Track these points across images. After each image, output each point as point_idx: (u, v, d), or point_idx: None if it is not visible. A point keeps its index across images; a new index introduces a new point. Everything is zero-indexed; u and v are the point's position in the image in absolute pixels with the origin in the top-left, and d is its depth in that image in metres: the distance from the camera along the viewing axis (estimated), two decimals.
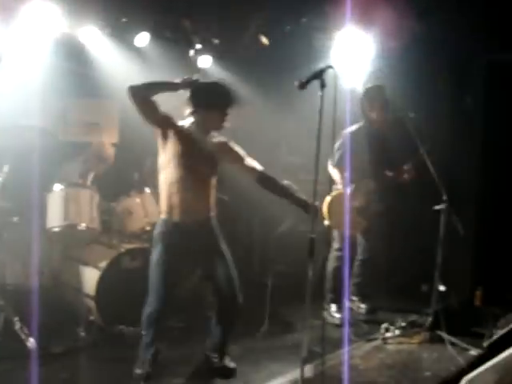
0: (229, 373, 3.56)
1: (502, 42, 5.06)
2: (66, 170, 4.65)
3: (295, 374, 3.50)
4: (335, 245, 4.79)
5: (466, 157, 5.32)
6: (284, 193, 3.62)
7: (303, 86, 2.93)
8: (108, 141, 4.95)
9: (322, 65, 2.96)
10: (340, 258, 4.66)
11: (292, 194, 3.60)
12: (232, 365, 3.60)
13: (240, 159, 3.56)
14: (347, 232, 4.45)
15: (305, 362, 2.99)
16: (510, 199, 5.17)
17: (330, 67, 2.86)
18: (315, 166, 2.96)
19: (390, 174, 4.80)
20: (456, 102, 5.40)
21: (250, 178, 3.61)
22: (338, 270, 4.61)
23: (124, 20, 4.78)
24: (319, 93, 2.86)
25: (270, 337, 4.31)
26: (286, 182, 3.70)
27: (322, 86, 2.85)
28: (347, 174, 4.50)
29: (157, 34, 4.91)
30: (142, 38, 4.87)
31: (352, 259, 4.92)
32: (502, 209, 5.19)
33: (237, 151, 3.57)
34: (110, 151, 4.81)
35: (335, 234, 4.80)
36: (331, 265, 4.76)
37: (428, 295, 5.41)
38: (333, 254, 4.79)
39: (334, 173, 4.67)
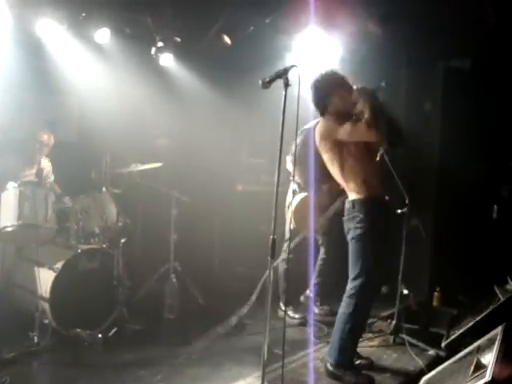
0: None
1: (459, 48, 5.17)
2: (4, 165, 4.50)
3: (257, 376, 3.49)
4: (285, 246, 4.76)
5: (424, 159, 5.40)
6: None
7: (267, 85, 2.88)
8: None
9: (285, 64, 2.92)
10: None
11: None
12: None
13: None
14: (312, 234, 4.45)
15: (266, 364, 2.93)
16: (467, 202, 5.27)
17: (294, 66, 2.82)
18: (277, 166, 2.90)
19: None
20: (416, 105, 5.47)
21: None
22: (288, 272, 4.59)
23: (83, 15, 4.65)
24: (283, 92, 2.81)
25: (231, 338, 4.27)
26: None
27: (286, 85, 2.82)
28: (311, 174, 4.48)
29: (117, 31, 4.80)
30: (103, 34, 4.75)
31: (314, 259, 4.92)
32: (458, 211, 5.29)
33: None
34: (47, 137, 4.69)
35: (286, 235, 4.76)
36: (282, 266, 4.74)
37: (387, 297, 5.51)
38: (282, 256, 4.76)
39: (291, 167, 4.60)
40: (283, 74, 2.83)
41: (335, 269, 5.06)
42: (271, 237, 2.87)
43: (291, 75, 2.83)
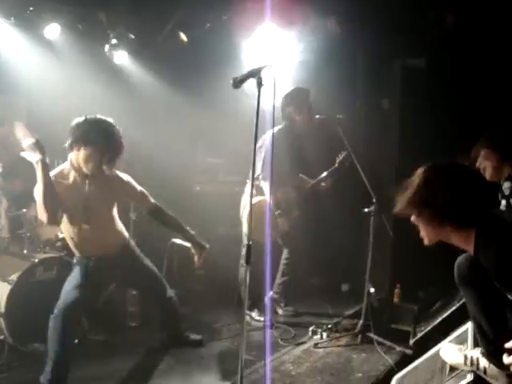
0: (199, 343, 4.11)
1: (414, 48, 5.23)
2: None
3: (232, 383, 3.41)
4: (243, 251, 4.66)
5: (383, 157, 5.43)
6: (178, 228, 3.88)
7: (238, 84, 2.77)
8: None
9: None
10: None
11: (186, 230, 3.86)
12: (198, 336, 4.17)
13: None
14: (268, 239, 4.35)
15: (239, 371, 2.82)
16: None
17: (269, 65, 2.73)
18: (252, 168, 2.81)
19: (308, 181, 4.82)
20: (374, 104, 5.50)
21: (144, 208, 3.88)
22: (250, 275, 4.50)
23: (31, 8, 4.39)
24: (256, 92, 2.71)
25: (198, 345, 4.14)
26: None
27: (260, 84, 2.71)
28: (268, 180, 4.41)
29: (69, 26, 4.57)
30: (52, 30, 4.51)
31: (274, 262, 4.86)
32: None
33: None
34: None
35: (244, 239, 4.68)
36: (242, 270, 4.65)
37: (347, 295, 5.54)
38: (242, 260, 4.67)
39: (266, 186, 4.49)
40: (256, 74, 2.73)
41: (299, 269, 5.05)
42: (246, 243, 2.76)
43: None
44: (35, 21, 4.45)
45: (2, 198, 3.95)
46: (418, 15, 4.95)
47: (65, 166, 3.39)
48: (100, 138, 3.26)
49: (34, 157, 3.10)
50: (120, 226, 3.68)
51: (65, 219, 3.35)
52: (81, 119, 3.30)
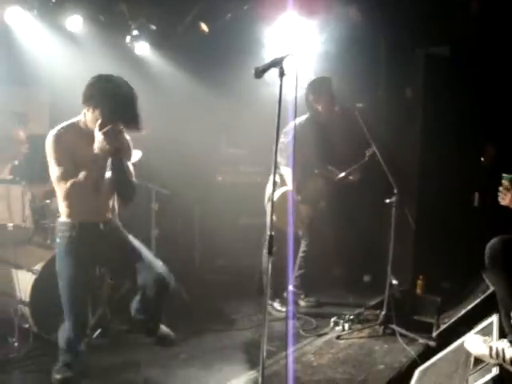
0: (170, 341, 3.72)
1: (438, 36, 5.14)
2: None
3: (251, 375, 3.41)
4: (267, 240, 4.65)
5: (406, 147, 5.38)
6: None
7: (260, 74, 2.74)
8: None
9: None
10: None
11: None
12: (170, 332, 3.72)
13: None
14: (290, 229, 4.33)
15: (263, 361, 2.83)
16: (448, 189, 5.27)
17: (290, 55, 2.69)
18: (274, 159, 2.78)
19: (337, 172, 4.76)
20: (396, 93, 5.43)
21: None
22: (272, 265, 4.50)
23: (53, 1, 4.41)
24: (278, 82, 2.68)
25: (218, 336, 4.16)
26: None
27: (282, 74, 2.68)
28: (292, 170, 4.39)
29: (91, 18, 4.58)
30: (74, 22, 4.52)
31: (295, 253, 4.85)
32: (440, 199, 5.29)
33: None
34: (21, 136, 4.48)
35: (267, 230, 4.65)
36: (265, 261, 4.65)
37: (369, 286, 5.52)
38: (265, 250, 4.66)
39: (287, 172, 4.48)
40: (278, 63, 2.70)
41: (317, 260, 5.03)
42: (269, 233, 2.74)
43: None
44: (58, 12, 4.47)
45: (27, 191, 3.99)
46: (441, 2, 4.86)
47: (79, 119, 3.11)
48: (108, 104, 2.92)
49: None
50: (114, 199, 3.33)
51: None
52: (95, 77, 3.01)
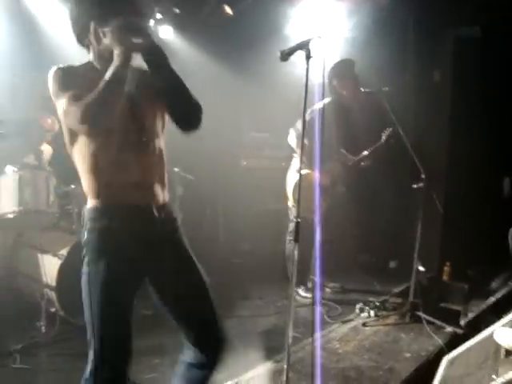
0: None
1: (469, 16, 4.99)
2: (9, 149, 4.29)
3: (276, 362, 3.38)
4: (290, 227, 4.61)
5: (434, 132, 5.26)
6: None
7: (286, 57, 2.66)
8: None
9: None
10: None
11: None
12: None
13: None
14: (315, 215, 4.27)
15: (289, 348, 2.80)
16: (477, 175, 5.16)
17: (318, 37, 2.62)
18: (300, 144, 2.73)
19: (349, 157, 4.69)
20: (424, 76, 5.30)
21: None
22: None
23: None
24: (305, 65, 2.61)
25: (242, 321, 4.15)
26: None
27: (308, 57, 2.61)
28: (316, 153, 4.31)
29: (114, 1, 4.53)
30: None
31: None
32: (469, 185, 5.18)
33: None
34: (51, 122, 4.50)
35: (290, 215, 4.61)
36: (290, 247, 4.61)
37: (396, 272, 5.45)
38: (288, 237, 4.62)
39: (294, 143, 4.49)
40: (304, 46, 2.62)
41: (341, 246, 4.97)
42: (293, 218, 2.70)
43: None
44: None
45: (51, 175, 4.01)
46: None
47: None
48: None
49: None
50: (165, 168, 2.19)
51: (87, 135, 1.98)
52: None
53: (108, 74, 1.88)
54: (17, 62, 4.46)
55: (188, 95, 2.08)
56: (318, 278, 4.69)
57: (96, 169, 1.99)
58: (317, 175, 4.26)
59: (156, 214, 2.07)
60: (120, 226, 2.01)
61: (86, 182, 2.04)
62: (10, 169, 3.89)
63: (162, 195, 2.12)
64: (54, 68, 2.02)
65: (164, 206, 2.12)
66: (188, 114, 2.11)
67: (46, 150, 4.64)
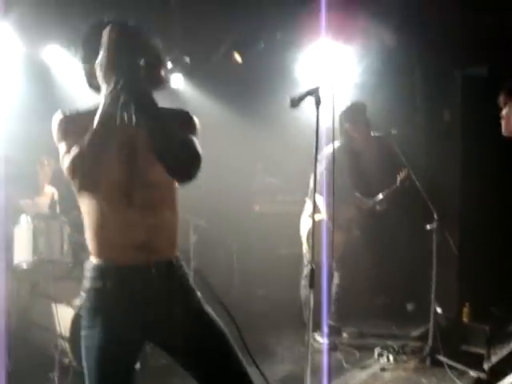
0: None
1: (475, 55, 5.04)
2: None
3: None
4: (305, 272, 4.55)
5: (446, 171, 5.24)
6: None
7: (296, 103, 2.69)
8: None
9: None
10: None
11: None
12: None
13: None
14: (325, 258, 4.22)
15: None
16: (492, 213, 5.10)
17: (327, 84, 2.65)
18: (313, 188, 2.73)
19: (364, 201, 4.68)
20: (434, 116, 5.33)
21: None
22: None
23: None
24: (315, 111, 2.63)
25: (260, 366, 4.05)
26: None
27: (318, 103, 2.64)
28: (330, 199, 4.30)
29: None
30: None
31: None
32: (484, 222, 5.11)
33: None
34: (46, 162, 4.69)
35: (305, 260, 4.58)
36: (305, 292, 4.54)
37: (413, 315, 5.34)
38: (304, 281, 4.56)
39: (320, 200, 4.38)
40: (314, 92, 2.65)
41: (357, 290, 4.90)
42: (307, 263, 2.68)
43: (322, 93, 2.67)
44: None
45: (65, 224, 4.03)
46: (477, 21, 4.78)
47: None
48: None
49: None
50: (177, 221, 2.05)
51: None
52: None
53: (96, 121, 1.76)
54: (32, 112, 4.56)
55: (175, 151, 1.84)
56: (329, 324, 4.61)
57: (95, 224, 1.91)
58: (328, 220, 4.23)
59: (156, 273, 1.94)
60: (116, 287, 1.91)
61: (87, 237, 1.97)
62: (24, 218, 3.92)
63: (168, 251, 2.00)
64: (58, 113, 1.95)
65: (170, 264, 1.99)
66: (177, 169, 1.88)
67: (49, 190, 4.76)
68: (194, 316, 2.02)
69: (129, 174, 1.90)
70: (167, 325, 1.97)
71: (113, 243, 1.91)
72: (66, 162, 1.79)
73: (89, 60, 1.92)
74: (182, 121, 2.05)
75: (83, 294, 1.98)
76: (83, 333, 1.97)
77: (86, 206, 1.92)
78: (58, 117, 1.94)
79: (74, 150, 1.75)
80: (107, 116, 1.75)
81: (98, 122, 1.75)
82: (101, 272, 1.94)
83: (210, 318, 2.04)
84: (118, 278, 1.92)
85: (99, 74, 1.79)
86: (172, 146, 1.83)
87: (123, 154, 1.88)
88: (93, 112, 1.82)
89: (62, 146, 1.87)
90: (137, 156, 1.92)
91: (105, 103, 1.75)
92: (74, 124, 1.89)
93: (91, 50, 1.88)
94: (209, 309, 2.06)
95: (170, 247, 2.01)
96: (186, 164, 1.87)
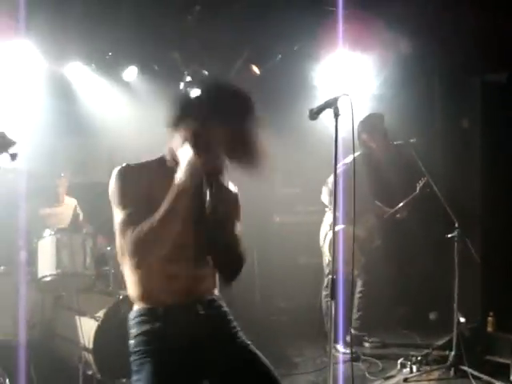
0: None
1: (495, 62, 5.01)
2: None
3: None
4: (325, 282, 4.54)
5: (466, 179, 5.21)
6: None
7: (314, 115, 2.70)
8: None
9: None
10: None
11: None
12: None
13: None
14: (342, 270, 4.18)
15: None
16: None
17: (345, 95, 2.66)
18: (333, 200, 2.74)
19: (384, 209, 4.70)
20: (453, 124, 5.31)
21: None
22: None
23: (110, 54, 4.60)
24: (334, 123, 2.64)
25: (281, 380, 4.04)
26: None
27: (336, 115, 2.64)
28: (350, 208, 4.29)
29: (145, 68, 4.75)
30: (131, 72, 4.70)
31: (352, 294, 4.69)
32: (506, 230, 5.06)
33: None
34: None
35: (326, 270, 4.58)
36: (326, 302, 4.53)
37: (436, 324, 5.28)
38: (325, 292, 4.55)
39: (327, 200, 4.56)
40: (332, 104, 2.66)
41: (379, 299, 4.87)
42: (330, 277, 2.67)
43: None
44: (114, 65, 4.65)
45: (87, 238, 4.09)
46: (495, 28, 4.75)
47: (162, 155, 2.01)
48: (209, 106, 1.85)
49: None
50: None
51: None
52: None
53: (169, 197, 1.76)
54: (55, 129, 4.65)
55: (234, 249, 2.02)
56: (352, 334, 4.58)
57: (144, 277, 1.91)
58: (347, 230, 4.22)
59: (202, 311, 1.98)
60: (165, 325, 1.91)
61: (132, 288, 1.96)
62: (47, 232, 3.99)
63: (211, 290, 2.05)
64: (121, 168, 1.90)
65: (212, 301, 2.03)
66: (226, 267, 2.02)
67: (69, 202, 4.88)
68: (240, 353, 2.07)
69: (192, 238, 1.93)
70: (215, 362, 1.98)
71: (161, 290, 1.93)
72: (129, 235, 1.78)
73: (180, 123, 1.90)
74: (234, 204, 2.19)
75: (132, 342, 1.95)
76: (135, 377, 1.92)
77: (135, 267, 1.90)
78: (120, 171, 1.91)
79: (145, 225, 1.75)
80: (183, 193, 1.76)
81: (173, 199, 1.75)
82: (150, 315, 1.93)
83: (255, 354, 2.11)
84: (167, 317, 1.92)
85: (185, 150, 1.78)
86: (225, 245, 1.98)
87: (188, 221, 1.87)
88: (160, 162, 1.95)
89: (120, 211, 1.85)
90: (200, 222, 1.93)
91: (182, 179, 1.76)
92: (131, 176, 1.89)
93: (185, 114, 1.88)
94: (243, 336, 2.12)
95: (212, 286, 2.07)
96: (234, 265, 2.05)
